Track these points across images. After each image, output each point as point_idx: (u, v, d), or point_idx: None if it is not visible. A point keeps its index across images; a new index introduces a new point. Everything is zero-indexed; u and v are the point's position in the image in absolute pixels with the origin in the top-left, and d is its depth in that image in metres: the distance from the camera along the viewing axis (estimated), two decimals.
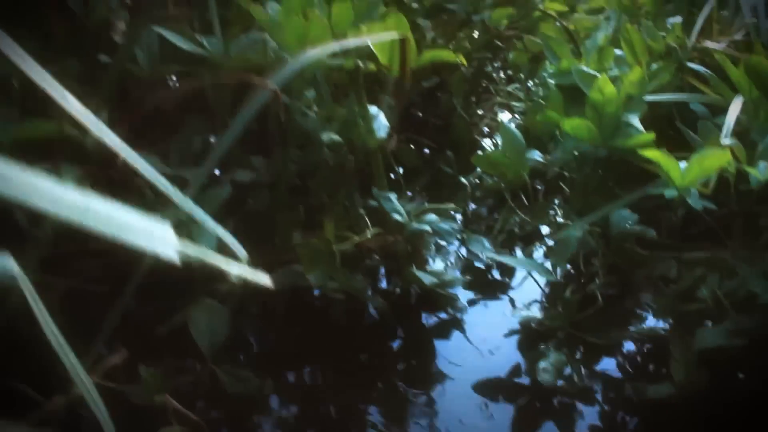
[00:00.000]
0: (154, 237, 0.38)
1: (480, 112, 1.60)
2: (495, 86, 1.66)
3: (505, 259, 1.08)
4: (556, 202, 1.31)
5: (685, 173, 0.86)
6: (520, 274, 1.18)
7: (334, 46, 0.73)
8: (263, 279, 0.41)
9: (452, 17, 1.48)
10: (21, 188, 0.33)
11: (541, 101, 1.41)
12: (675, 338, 0.89)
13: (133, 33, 0.96)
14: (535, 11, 1.56)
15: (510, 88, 1.64)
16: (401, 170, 1.40)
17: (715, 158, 0.85)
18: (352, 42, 0.76)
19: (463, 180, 1.34)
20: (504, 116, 1.62)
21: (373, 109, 1.09)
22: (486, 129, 1.58)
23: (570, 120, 0.97)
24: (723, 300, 0.88)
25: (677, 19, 1.43)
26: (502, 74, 1.71)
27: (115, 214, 0.38)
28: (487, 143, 1.51)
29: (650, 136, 0.95)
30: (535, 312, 1.05)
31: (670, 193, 0.90)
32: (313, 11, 0.85)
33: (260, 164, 1.08)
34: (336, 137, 0.98)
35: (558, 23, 1.45)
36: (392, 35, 0.81)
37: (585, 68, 1.04)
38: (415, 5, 1.48)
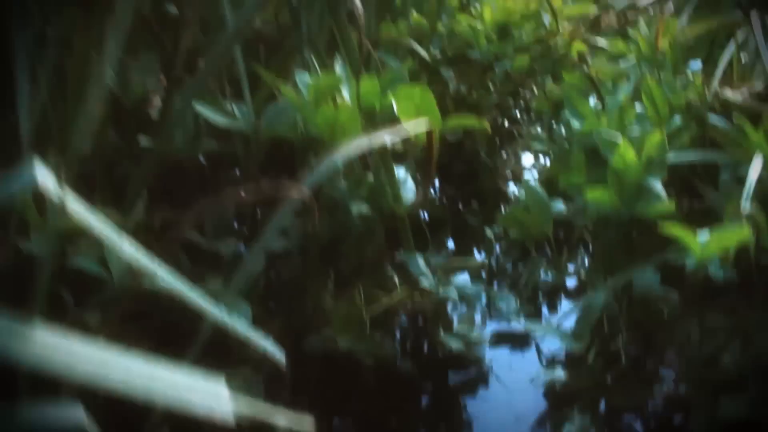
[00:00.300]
0: (208, 396, 0.41)
1: (504, 155, 1.63)
2: (518, 128, 1.68)
3: (530, 326, 1.11)
4: (581, 250, 1.34)
5: (705, 247, 0.88)
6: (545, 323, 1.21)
7: (364, 141, 0.76)
8: (307, 426, 0.44)
9: (475, 66, 1.51)
10: (59, 355, 0.36)
11: (565, 143, 1.44)
12: (698, 405, 0.91)
13: (169, 111, 1.00)
14: (557, 52, 1.58)
15: (533, 130, 1.67)
16: (427, 217, 1.43)
17: (733, 235, 0.87)
18: (381, 137, 0.79)
19: (488, 231, 1.37)
20: (527, 158, 1.65)
21: (400, 173, 1.12)
22: (510, 172, 1.60)
23: (592, 190, 1.00)
24: (746, 368, 0.90)
25: (698, 64, 1.45)
26: (525, 116, 1.73)
27: (164, 374, 0.40)
28: (511, 188, 1.54)
29: (671, 206, 0.97)
30: (561, 372, 1.07)
31: (690, 262, 0.92)
32: (342, 101, 0.89)
33: (291, 229, 1.12)
34: (364, 209, 1.01)
35: (580, 70, 1.47)
36: (421, 124, 0.84)
37: (606, 133, 1.07)
38: (438, 55, 1.51)
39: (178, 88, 1.04)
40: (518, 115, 1.73)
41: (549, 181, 1.38)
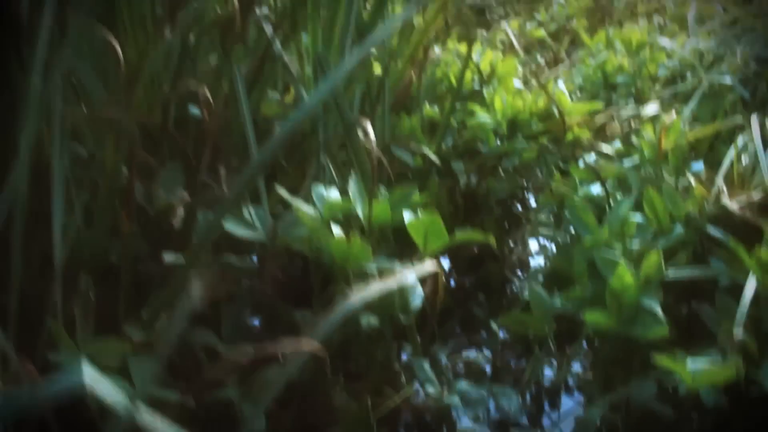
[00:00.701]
0: None
1: (511, 241, 1.68)
2: (526, 214, 1.74)
3: None
4: (584, 346, 1.38)
5: (695, 377, 0.93)
6: (547, 422, 1.26)
7: (375, 287, 0.81)
8: None
9: (485, 158, 1.57)
10: None
11: (569, 236, 1.49)
12: None
13: (192, 224, 1.06)
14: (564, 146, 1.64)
15: (541, 215, 1.72)
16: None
17: (723, 372, 0.91)
18: (391, 283, 0.84)
19: (493, 324, 1.41)
20: (535, 244, 1.70)
21: (411, 279, 1.17)
22: (517, 259, 1.65)
23: (590, 313, 1.05)
24: None
25: (700, 165, 1.50)
26: (534, 200, 1.78)
27: None
28: (517, 278, 1.58)
29: (665, 330, 1.02)
30: None
31: (682, 387, 0.97)
32: (354, 237, 0.94)
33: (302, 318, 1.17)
34: (374, 320, 1.06)
35: (585, 164, 1.53)
36: (429, 267, 0.90)
37: (606, 252, 1.12)
38: (449, 147, 1.58)
39: (201, 202, 1.11)
40: (526, 199, 1.79)
41: (554, 271, 1.43)
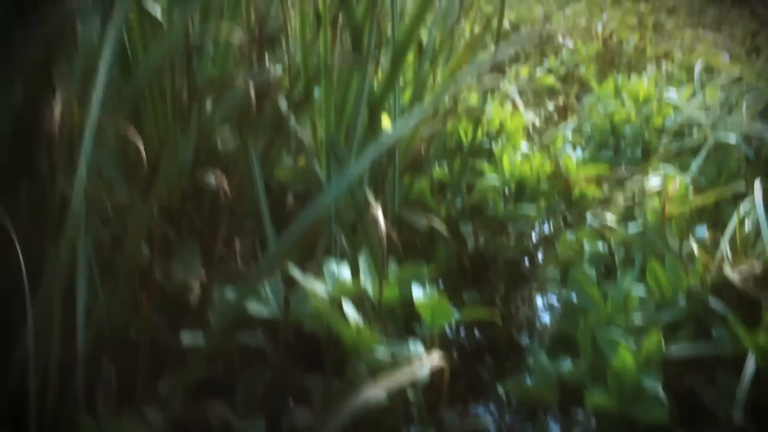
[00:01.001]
0: None
1: (519, 299, 1.72)
2: (534, 269, 1.77)
3: None
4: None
5: None
6: None
7: (382, 385, 0.85)
8: None
9: (491, 221, 1.61)
10: None
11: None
12: None
13: (209, 302, 1.10)
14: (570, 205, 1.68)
15: (549, 273, 1.75)
16: None
17: None
18: (402, 377, 0.89)
19: (499, 388, 1.44)
20: (540, 301, 1.73)
21: (417, 348, 1.21)
22: (525, 319, 1.68)
23: (591, 395, 1.08)
24: None
25: (704, 231, 1.53)
26: (543, 256, 1.82)
27: None
28: (524, 338, 1.62)
29: (664, 412, 1.05)
30: None
31: None
32: (364, 327, 0.98)
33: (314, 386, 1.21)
34: (382, 397, 1.09)
35: (591, 228, 1.56)
36: (436, 360, 0.94)
37: (609, 332, 1.15)
38: (458, 209, 1.61)
39: (217, 278, 1.15)
40: (534, 254, 1.82)
41: (559, 334, 1.46)
